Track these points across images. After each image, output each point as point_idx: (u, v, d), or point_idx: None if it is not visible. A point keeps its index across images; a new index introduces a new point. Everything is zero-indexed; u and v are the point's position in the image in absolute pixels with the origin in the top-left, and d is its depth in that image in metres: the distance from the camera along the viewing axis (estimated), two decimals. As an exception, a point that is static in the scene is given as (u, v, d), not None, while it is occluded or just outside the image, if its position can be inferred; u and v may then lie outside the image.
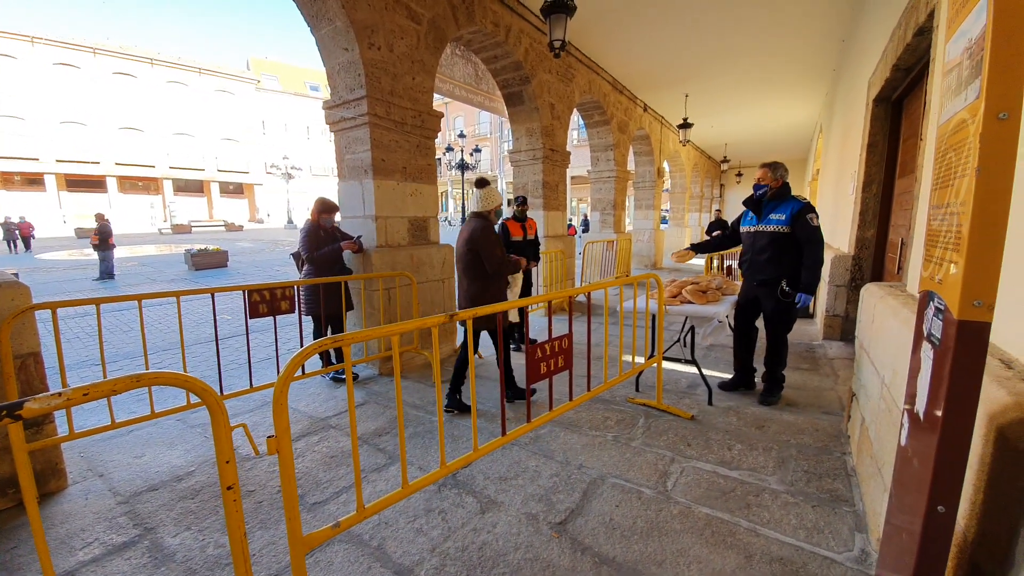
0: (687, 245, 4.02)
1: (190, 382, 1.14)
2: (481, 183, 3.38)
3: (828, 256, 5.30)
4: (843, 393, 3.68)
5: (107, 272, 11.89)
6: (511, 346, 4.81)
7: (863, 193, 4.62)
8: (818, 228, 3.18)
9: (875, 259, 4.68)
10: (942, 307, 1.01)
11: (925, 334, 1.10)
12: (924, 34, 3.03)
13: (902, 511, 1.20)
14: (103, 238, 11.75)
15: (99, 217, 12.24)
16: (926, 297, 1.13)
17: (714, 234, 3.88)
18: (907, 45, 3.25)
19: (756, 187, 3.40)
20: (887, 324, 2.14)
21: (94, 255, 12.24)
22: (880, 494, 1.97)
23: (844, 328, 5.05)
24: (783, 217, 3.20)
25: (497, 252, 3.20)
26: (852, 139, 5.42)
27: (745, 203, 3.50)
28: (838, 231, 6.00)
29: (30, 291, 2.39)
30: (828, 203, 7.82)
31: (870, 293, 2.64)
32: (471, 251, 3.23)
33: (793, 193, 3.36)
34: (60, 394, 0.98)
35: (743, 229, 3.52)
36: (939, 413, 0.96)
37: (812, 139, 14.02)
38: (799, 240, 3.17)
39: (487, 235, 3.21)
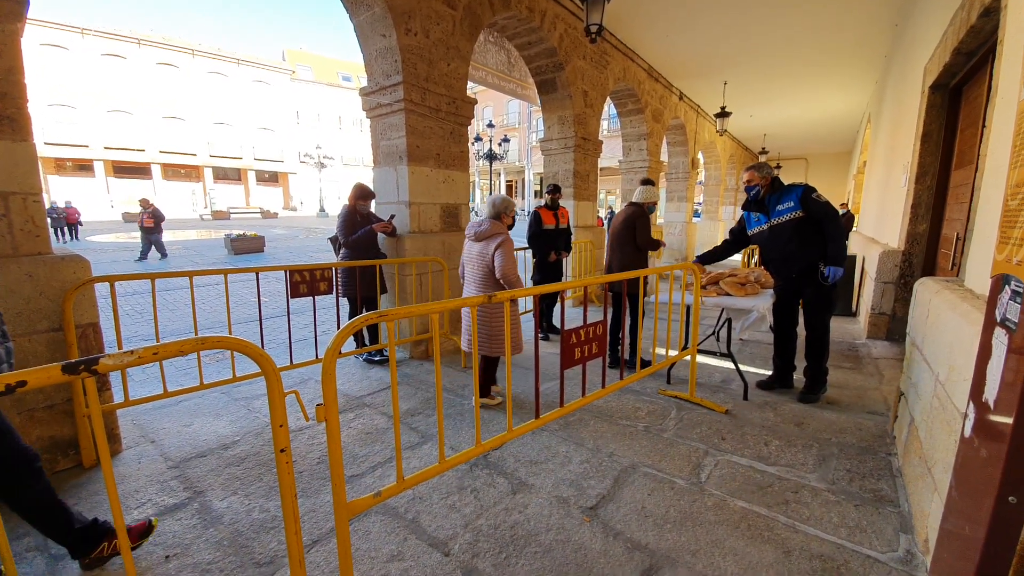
0: (719, 241, 4.07)
1: (250, 348, 1.18)
2: (647, 182, 4.32)
3: (875, 252, 5.08)
4: (888, 393, 3.54)
5: (161, 252, 12.89)
6: (539, 335, 4.83)
7: (916, 185, 4.40)
8: (828, 202, 3.21)
9: (927, 255, 4.45)
10: (1020, 289, 0.96)
11: (999, 319, 1.04)
12: (990, 15, 2.85)
13: (964, 506, 1.15)
14: (157, 221, 12.66)
15: (145, 202, 12.90)
16: (1000, 281, 1.07)
17: (720, 243, 3.79)
18: (971, 27, 3.06)
19: (748, 189, 3.44)
20: (944, 319, 2.04)
21: (139, 237, 12.94)
22: (929, 495, 1.90)
23: (891, 327, 4.83)
24: (792, 204, 3.22)
25: (647, 233, 4.03)
26: (904, 129, 5.15)
27: (745, 207, 3.54)
28: (886, 225, 5.73)
29: (90, 265, 2.52)
30: (875, 197, 7.48)
31: (925, 287, 2.51)
32: (628, 228, 4.03)
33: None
34: (132, 352, 1.03)
35: (755, 231, 3.48)
36: (1015, 397, 0.91)
37: (858, 130, 13.40)
38: (816, 219, 3.18)
39: (643, 220, 4.04)
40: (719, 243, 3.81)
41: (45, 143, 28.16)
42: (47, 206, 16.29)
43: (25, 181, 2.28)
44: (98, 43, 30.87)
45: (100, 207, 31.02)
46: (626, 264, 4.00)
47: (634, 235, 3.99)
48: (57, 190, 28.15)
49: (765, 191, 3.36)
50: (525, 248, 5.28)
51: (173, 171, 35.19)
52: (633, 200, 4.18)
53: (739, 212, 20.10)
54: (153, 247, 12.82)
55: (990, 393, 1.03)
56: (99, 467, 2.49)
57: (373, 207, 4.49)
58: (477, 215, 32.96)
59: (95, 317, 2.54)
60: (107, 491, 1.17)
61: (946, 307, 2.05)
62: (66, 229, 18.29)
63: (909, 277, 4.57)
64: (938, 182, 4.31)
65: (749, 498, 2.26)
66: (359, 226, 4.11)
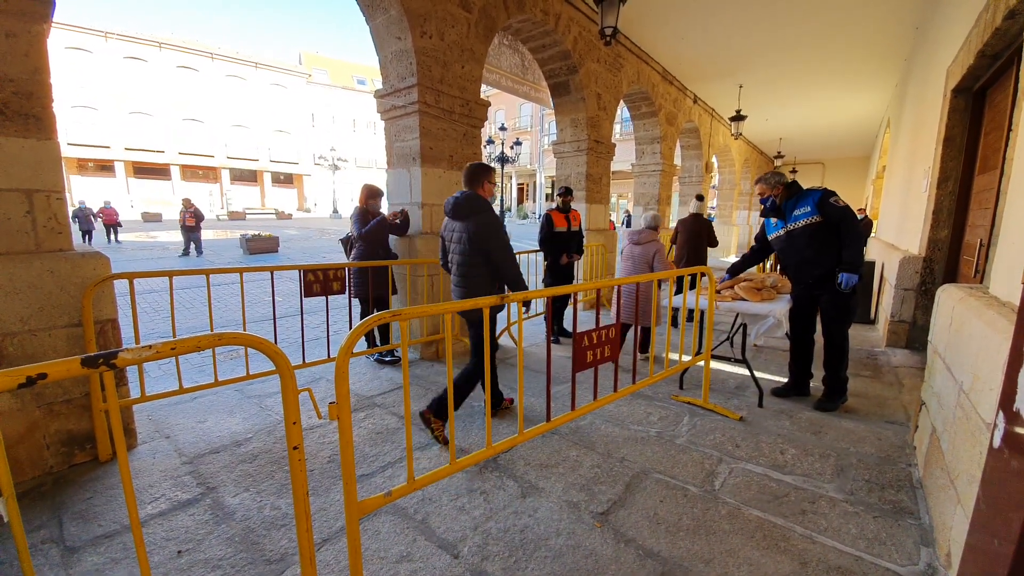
0: (732, 244, 5.81)
1: (265, 344, 1.19)
2: (700, 197, 6.18)
3: (895, 258, 4.98)
4: (908, 402, 3.45)
5: (199, 249, 13.73)
6: (551, 339, 4.80)
7: (937, 191, 4.30)
8: (847, 206, 3.13)
9: (948, 261, 4.35)
10: (1057, 298, 0.92)
11: (1032, 328, 1.00)
12: (1015, 17, 2.79)
13: (992, 521, 1.11)
14: (198, 220, 13.53)
15: (187, 202, 13.74)
16: (1034, 289, 1.03)
17: (744, 254, 3.84)
18: (996, 29, 2.99)
19: (763, 201, 3.41)
20: (969, 326, 1.98)
21: (161, 237, 13.53)
22: (951, 507, 1.84)
23: (911, 335, 4.72)
24: (808, 208, 3.15)
25: (715, 235, 6.09)
26: (926, 133, 5.05)
27: (764, 214, 3.50)
28: (906, 231, 5.62)
29: (110, 262, 2.56)
30: (895, 202, 7.34)
31: (948, 295, 2.45)
32: (703, 233, 5.93)
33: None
34: (151, 347, 1.04)
35: (773, 236, 3.44)
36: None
37: (877, 135, 13.17)
38: (834, 224, 3.11)
39: (710, 225, 5.97)
40: (734, 242, 3.81)
41: (68, 144, 28.85)
42: (76, 206, 15.69)
43: (48, 179, 2.33)
44: (120, 46, 31.59)
45: (120, 207, 31.64)
46: (702, 257, 5.87)
47: (708, 238, 5.96)
48: (79, 190, 28.79)
49: (780, 198, 3.31)
50: (536, 251, 5.27)
51: (191, 172, 35.83)
52: (694, 212, 6.04)
53: (754, 216, 19.90)
54: (191, 244, 13.63)
55: (1022, 403, 0.99)
56: (115, 461, 2.53)
57: (385, 208, 4.51)
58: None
59: (114, 313, 2.59)
60: (123, 485, 1.18)
61: (971, 314, 1.99)
62: (94, 232, 16.36)
63: (930, 284, 4.46)
64: (960, 187, 4.21)
65: (764, 507, 2.21)
66: (371, 223, 4.15)
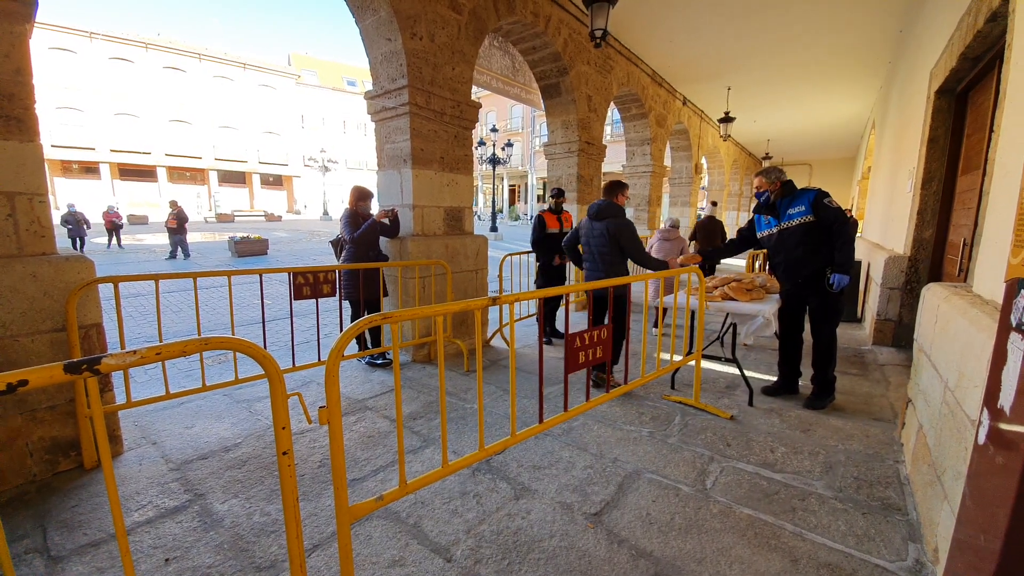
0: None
1: (253, 348, 1.17)
2: (714, 203, 8.52)
3: (881, 257, 5.06)
4: (895, 400, 3.50)
5: (185, 252, 13.46)
6: (543, 340, 4.81)
7: (922, 191, 4.37)
8: (840, 208, 3.14)
9: (933, 261, 4.42)
10: (1038, 296, 0.94)
11: (1014, 324, 1.02)
12: (997, 20, 2.84)
13: (979, 516, 1.13)
14: (180, 222, 13.18)
15: (173, 204, 13.55)
16: (1016, 285, 1.05)
17: (728, 241, 3.84)
18: (977, 32, 3.05)
19: (759, 195, 3.42)
20: (953, 324, 2.01)
21: (147, 240, 13.19)
22: (938, 503, 1.87)
23: (896, 333, 4.80)
24: (803, 208, 3.17)
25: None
26: (910, 134, 5.14)
27: (756, 210, 3.52)
28: (891, 231, 5.71)
29: (94, 265, 2.52)
30: (880, 202, 7.46)
31: (933, 293, 2.49)
32: (715, 233, 7.29)
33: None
34: (135, 352, 1.02)
35: (764, 233, 3.46)
36: (1034, 408, 0.89)
37: (863, 136, 13.38)
38: (826, 225, 3.14)
39: (723, 225, 6.85)
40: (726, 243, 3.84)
41: (52, 145, 28.32)
42: (66, 210, 14.53)
43: (31, 182, 2.29)
44: (106, 47, 31.11)
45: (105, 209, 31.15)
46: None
47: (721, 238, 7.23)
48: (63, 192, 28.30)
49: (776, 195, 3.31)
50: (529, 252, 5.27)
51: (179, 174, 35.36)
52: (710, 214, 7.60)
53: (743, 217, 20.08)
54: (178, 247, 13.39)
55: (1005, 400, 1.01)
56: (100, 468, 2.48)
57: (375, 210, 4.49)
58: (480, 219, 33.24)
59: (98, 318, 2.54)
60: (108, 493, 1.15)
61: (956, 313, 2.02)
62: (83, 237, 14.73)
63: (915, 283, 4.54)
64: (944, 187, 4.28)
65: (755, 505, 2.23)
66: (361, 225, 4.11)
